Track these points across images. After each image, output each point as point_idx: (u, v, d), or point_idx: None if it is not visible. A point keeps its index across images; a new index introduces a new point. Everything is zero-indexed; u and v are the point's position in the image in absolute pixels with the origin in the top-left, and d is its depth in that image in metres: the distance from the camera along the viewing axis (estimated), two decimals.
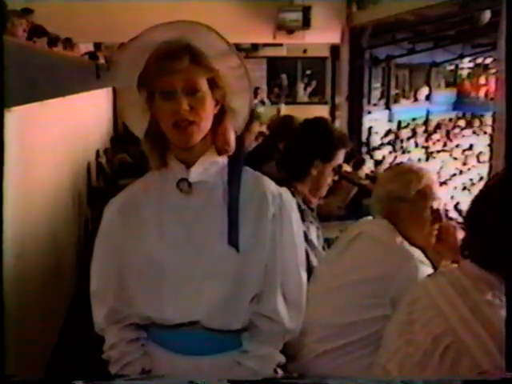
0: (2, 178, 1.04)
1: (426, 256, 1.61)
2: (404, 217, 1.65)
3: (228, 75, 1.18)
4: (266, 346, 1.20)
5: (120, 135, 7.43)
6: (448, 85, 15.70)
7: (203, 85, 1.14)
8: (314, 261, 1.84)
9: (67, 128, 4.25)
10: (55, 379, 1.03)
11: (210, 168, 1.20)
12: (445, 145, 13.93)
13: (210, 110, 1.16)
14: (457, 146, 13.95)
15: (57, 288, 3.45)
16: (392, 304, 1.54)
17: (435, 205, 1.66)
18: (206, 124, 1.16)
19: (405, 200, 1.65)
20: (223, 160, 1.22)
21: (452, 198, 9.93)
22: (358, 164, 6.34)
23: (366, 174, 6.31)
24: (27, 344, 2.44)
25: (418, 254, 1.59)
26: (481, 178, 11.83)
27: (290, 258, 1.22)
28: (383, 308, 1.55)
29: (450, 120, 15.17)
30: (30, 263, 2.70)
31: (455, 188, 11.72)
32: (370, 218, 1.76)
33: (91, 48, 7.73)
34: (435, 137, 14.19)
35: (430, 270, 1.57)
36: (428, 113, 14.76)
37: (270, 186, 1.23)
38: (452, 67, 15.28)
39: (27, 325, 2.49)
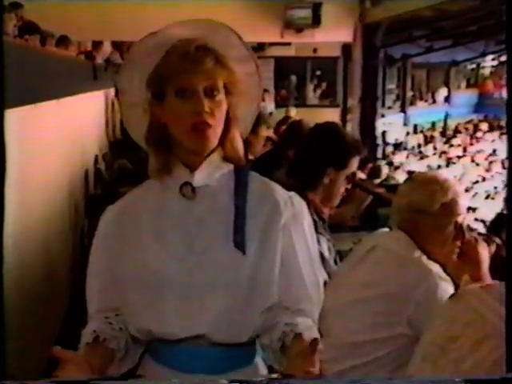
0: (3, 184, 1.04)
1: (445, 271, 1.60)
2: (425, 231, 1.63)
3: (242, 82, 1.19)
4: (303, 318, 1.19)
5: (120, 140, 7.47)
6: (469, 85, 15.69)
7: (222, 88, 1.15)
8: (325, 275, 1.84)
9: (63, 132, 4.28)
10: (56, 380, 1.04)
11: (214, 172, 1.20)
12: (465, 150, 13.89)
13: (224, 115, 1.17)
14: (479, 151, 13.91)
15: (50, 300, 3.46)
16: (409, 322, 1.54)
17: (459, 220, 1.65)
18: (220, 129, 1.17)
19: (427, 213, 1.63)
20: (229, 165, 1.23)
21: (472, 207, 9.89)
22: (375, 172, 6.32)
23: (380, 182, 6.30)
24: (24, 353, 2.46)
25: (436, 269, 1.58)
26: (506, 186, 11.73)
27: (304, 261, 1.22)
28: (399, 326, 1.55)
29: (473, 123, 15.14)
30: (22, 275, 2.72)
31: (477, 196, 11.66)
32: (386, 229, 1.76)
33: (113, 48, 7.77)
34: (455, 141, 14.16)
35: (450, 287, 1.56)
36: (447, 115, 14.75)
37: (280, 191, 1.24)
38: (473, 66, 15.27)
39: (21, 336, 2.51)
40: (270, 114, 10.09)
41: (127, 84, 1.21)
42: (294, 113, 8.88)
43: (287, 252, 1.20)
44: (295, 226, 1.22)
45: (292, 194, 1.25)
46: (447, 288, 1.55)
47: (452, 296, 1.26)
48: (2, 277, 1.05)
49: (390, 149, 11.31)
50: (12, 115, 2.36)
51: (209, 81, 1.13)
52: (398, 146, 12.22)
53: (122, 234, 1.21)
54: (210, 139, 1.15)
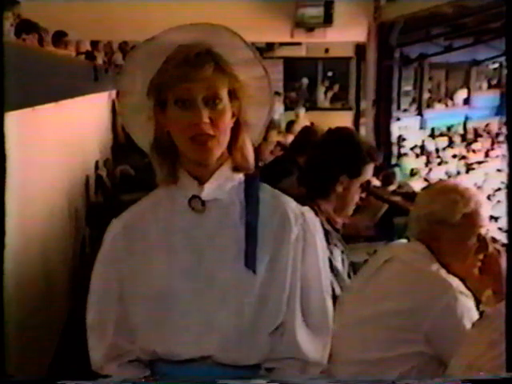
0: (4, 190, 1.05)
1: (466, 286, 1.60)
2: (445, 243, 1.63)
3: (250, 86, 1.19)
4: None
5: (121, 144, 7.50)
6: (490, 86, 15.61)
7: (224, 95, 1.15)
8: (338, 289, 1.84)
9: (62, 137, 4.31)
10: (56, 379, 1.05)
11: (224, 184, 1.21)
12: (487, 155, 13.82)
13: (228, 123, 1.17)
14: (497, 156, 13.82)
15: (47, 312, 3.48)
16: (427, 339, 1.53)
17: (482, 232, 1.64)
18: (225, 138, 1.17)
19: (448, 224, 1.62)
20: (239, 176, 1.23)
21: (495, 216, 9.82)
22: (388, 179, 6.30)
23: (394, 189, 6.27)
24: (24, 363, 2.49)
25: (456, 283, 1.57)
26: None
27: (314, 283, 1.22)
28: (416, 344, 1.54)
29: (495, 127, 15.03)
30: (21, 282, 2.74)
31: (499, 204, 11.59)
32: (404, 240, 1.76)
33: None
34: (476, 146, 14.09)
35: (471, 302, 1.56)
36: (466, 118, 14.68)
37: (292, 204, 1.24)
38: (496, 65, 15.17)
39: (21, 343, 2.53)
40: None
41: (129, 86, 1.21)
42: (303, 115, 8.89)
43: (294, 272, 1.20)
44: (306, 244, 1.22)
45: (305, 209, 1.25)
46: (468, 304, 1.54)
47: (485, 316, 1.23)
48: (2, 284, 1.06)
49: (406, 153, 11.29)
50: (8, 119, 2.37)
51: (209, 90, 1.13)
52: (421, 152, 12.17)
53: (129, 248, 1.22)
54: (212, 151, 1.15)
